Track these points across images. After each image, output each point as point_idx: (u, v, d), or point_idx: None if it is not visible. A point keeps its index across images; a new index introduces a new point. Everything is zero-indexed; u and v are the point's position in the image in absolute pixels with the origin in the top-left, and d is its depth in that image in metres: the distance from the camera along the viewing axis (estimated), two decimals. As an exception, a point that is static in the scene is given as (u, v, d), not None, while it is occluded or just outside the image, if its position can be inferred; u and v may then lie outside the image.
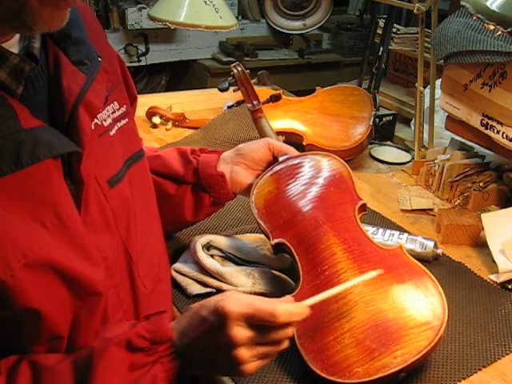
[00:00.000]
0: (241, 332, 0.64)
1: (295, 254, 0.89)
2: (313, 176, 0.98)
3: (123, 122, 0.77)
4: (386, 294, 0.80)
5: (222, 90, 1.24)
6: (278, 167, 1.00)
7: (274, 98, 1.21)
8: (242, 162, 0.99)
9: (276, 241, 0.91)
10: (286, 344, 0.68)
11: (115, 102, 0.75)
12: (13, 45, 0.61)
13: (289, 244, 0.90)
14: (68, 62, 0.66)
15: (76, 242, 0.64)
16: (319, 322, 0.80)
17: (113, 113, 0.74)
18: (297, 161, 1.01)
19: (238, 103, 1.20)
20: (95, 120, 0.69)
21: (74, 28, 0.68)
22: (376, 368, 0.74)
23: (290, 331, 0.67)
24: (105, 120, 0.72)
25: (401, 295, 0.80)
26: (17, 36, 0.61)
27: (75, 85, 0.65)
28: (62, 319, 0.64)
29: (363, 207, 0.95)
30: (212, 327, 0.66)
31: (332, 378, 0.74)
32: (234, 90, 1.23)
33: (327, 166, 0.99)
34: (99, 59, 0.71)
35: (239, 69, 1.24)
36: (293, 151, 1.02)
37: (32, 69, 0.62)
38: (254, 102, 1.20)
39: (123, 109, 0.77)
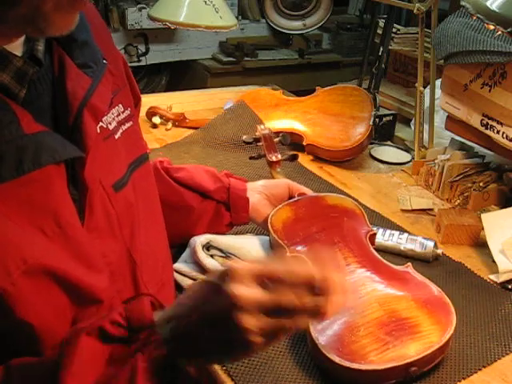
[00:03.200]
0: (244, 290, 0.53)
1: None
2: (327, 208, 1.05)
3: (127, 124, 0.76)
4: (400, 298, 0.86)
5: (246, 143, 1.32)
6: (295, 199, 1.07)
7: (292, 157, 1.27)
8: (264, 193, 1.07)
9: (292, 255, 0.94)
10: (305, 321, 0.53)
11: (120, 105, 0.74)
12: (16, 47, 0.60)
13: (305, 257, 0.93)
14: (73, 64, 0.66)
15: (76, 250, 0.63)
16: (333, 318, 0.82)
17: (117, 116, 0.74)
18: (313, 197, 1.08)
19: (259, 156, 1.25)
20: (100, 123, 0.68)
21: (80, 30, 0.67)
22: (391, 358, 0.76)
23: (316, 301, 0.52)
24: (110, 123, 0.71)
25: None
26: (21, 38, 0.61)
27: (80, 88, 0.64)
28: (60, 328, 0.62)
29: (372, 238, 1.01)
30: (211, 288, 0.57)
31: (347, 364, 0.75)
32: (258, 145, 1.29)
33: (341, 202, 1.07)
34: (104, 62, 0.70)
35: (266, 132, 1.28)
36: (309, 193, 1.08)
37: (35, 72, 0.61)
38: (274, 155, 1.24)
39: (127, 111, 0.76)
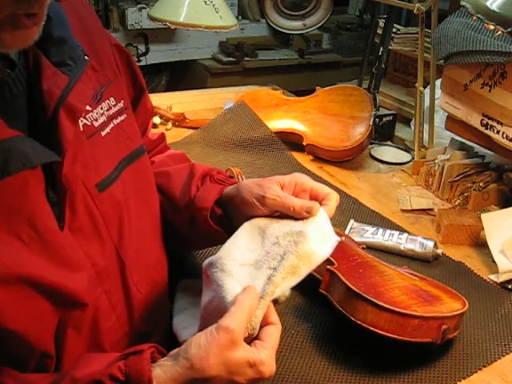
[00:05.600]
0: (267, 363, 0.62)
1: None
2: None
3: (120, 118, 0.73)
4: (413, 278, 0.90)
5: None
6: None
7: None
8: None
9: None
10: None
11: (111, 98, 0.71)
12: None
13: None
14: (49, 63, 0.62)
15: (55, 254, 0.61)
16: (366, 279, 0.85)
17: (108, 110, 0.70)
18: None
19: None
20: (84, 121, 0.66)
21: (56, 27, 0.63)
22: (432, 310, 0.79)
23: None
24: (96, 120, 0.68)
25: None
26: None
27: (56, 88, 0.61)
28: (44, 334, 0.61)
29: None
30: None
31: (397, 309, 0.77)
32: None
33: None
34: (86, 58, 0.66)
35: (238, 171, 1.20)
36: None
37: (7, 75, 0.58)
38: None
39: (120, 104, 0.73)
